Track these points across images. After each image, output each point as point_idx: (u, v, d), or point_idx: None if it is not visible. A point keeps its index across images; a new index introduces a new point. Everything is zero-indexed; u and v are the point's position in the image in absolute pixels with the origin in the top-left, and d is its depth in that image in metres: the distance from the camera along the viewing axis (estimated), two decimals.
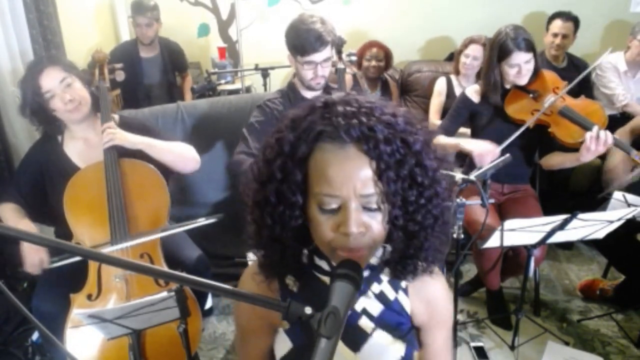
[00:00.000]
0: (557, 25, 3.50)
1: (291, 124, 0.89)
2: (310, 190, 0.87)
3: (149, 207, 2.03)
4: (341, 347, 1.02)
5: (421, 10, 4.26)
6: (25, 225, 1.99)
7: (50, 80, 1.94)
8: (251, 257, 1.65)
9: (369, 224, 0.87)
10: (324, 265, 1.01)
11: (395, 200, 0.87)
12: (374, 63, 3.63)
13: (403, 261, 0.96)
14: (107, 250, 1.88)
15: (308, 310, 0.77)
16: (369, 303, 1.03)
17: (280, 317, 1.02)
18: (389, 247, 0.97)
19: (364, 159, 0.84)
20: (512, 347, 2.39)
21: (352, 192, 0.84)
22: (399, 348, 1.03)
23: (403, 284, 1.05)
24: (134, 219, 1.98)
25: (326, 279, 1.02)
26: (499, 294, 2.63)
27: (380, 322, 1.03)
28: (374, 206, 0.86)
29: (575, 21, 3.51)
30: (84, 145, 2.11)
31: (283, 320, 1.02)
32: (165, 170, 2.12)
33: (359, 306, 1.03)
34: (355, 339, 1.02)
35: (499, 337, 2.49)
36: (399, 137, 0.86)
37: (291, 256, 0.96)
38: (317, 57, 2.18)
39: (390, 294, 1.05)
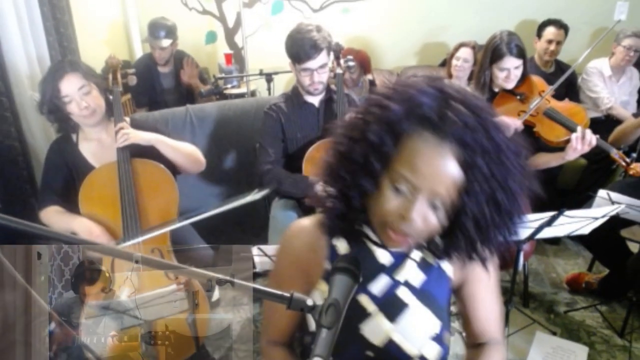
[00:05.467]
0: (552, 32, 3.47)
1: (402, 96, 0.85)
2: (393, 165, 0.84)
3: (160, 204, 2.03)
4: (379, 317, 0.98)
5: (417, 17, 4.26)
6: (73, 218, 1.97)
7: (70, 86, 1.93)
8: (255, 251, 1.65)
9: (428, 218, 0.85)
10: (372, 235, 0.99)
11: (470, 212, 0.85)
12: (347, 75, 3.57)
13: (453, 252, 0.95)
14: (120, 245, 1.87)
15: (309, 301, 0.76)
16: (411, 273, 1.00)
17: (321, 276, 1.00)
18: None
19: (455, 166, 0.82)
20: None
21: (430, 187, 0.82)
22: (436, 324, 0.99)
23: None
24: (146, 215, 1.98)
25: (374, 248, 0.99)
26: None
27: (421, 294, 1.00)
28: (440, 206, 0.84)
29: (565, 29, 3.50)
30: (97, 146, 2.10)
31: (322, 280, 1.00)
32: (173, 170, 2.12)
33: (401, 277, 0.99)
34: (393, 309, 0.98)
35: None
36: (501, 160, 0.83)
37: (351, 216, 0.93)
38: (312, 64, 2.18)
39: (431, 258, 1.02)
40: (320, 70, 2.21)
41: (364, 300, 0.98)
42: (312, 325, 1.00)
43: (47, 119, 2.06)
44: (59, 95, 1.93)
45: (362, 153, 0.85)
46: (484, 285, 1.06)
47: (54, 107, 1.97)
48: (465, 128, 0.81)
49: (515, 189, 0.85)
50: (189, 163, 2.15)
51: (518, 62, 2.30)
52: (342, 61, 2.53)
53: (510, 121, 2.28)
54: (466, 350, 1.14)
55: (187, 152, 2.14)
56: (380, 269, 0.97)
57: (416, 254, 1.01)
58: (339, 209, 0.92)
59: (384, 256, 1.00)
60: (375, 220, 0.90)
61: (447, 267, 1.03)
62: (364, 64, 3.66)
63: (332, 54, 2.34)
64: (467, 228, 0.86)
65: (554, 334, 2.45)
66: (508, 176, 0.84)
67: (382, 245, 0.99)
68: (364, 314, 0.98)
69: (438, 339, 0.99)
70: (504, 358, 1.09)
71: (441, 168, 0.82)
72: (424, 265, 1.01)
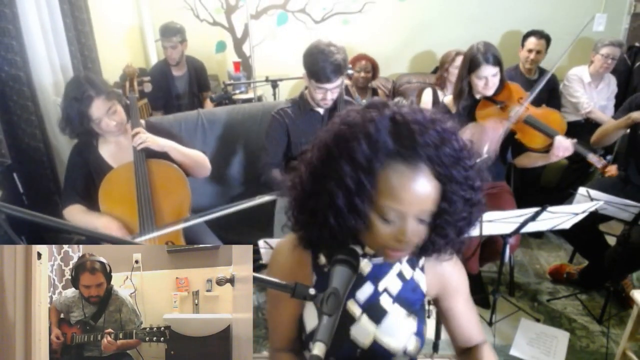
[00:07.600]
0: (532, 42, 3.46)
1: (363, 135, 0.81)
2: (376, 200, 0.82)
3: (173, 201, 2.02)
4: (366, 321, 1.02)
5: (411, 29, 4.25)
6: (94, 217, 1.97)
7: (98, 111, 1.92)
8: (262, 244, 1.64)
9: (419, 233, 0.86)
10: (358, 249, 0.97)
11: (450, 217, 0.87)
12: (362, 74, 3.61)
13: (432, 252, 0.96)
14: (138, 239, 1.87)
15: (312, 291, 0.76)
16: (390, 282, 1.03)
17: (311, 285, 0.99)
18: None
19: (433, 182, 0.82)
20: (490, 324, 2.38)
21: (416, 209, 0.82)
22: (412, 323, 1.03)
23: (420, 262, 1.05)
24: (160, 212, 1.97)
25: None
26: (478, 277, 2.62)
27: (399, 299, 1.03)
28: (426, 219, 0.85)
29: (547, 39, 3.48)
30: (116, 147, 2.10)
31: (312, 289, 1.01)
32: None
33: (382, 286, 1.02)
34: (377, 313, 1.02)
35: (479, 315, 2.47)
36: (462, 162, 0.84)
37: (337, 245, 0.90)
38: (330, 85, 2.14)
39: (408, 272, 1.04)
40: (334, 90, 2.18)
41: (351, 305, 1.02)
42: (308, 327, 1.02)
43: (70, 136, 2.04)
44: (90, 119, 1.93)
45: (345, 200, 0.82)
46: (460, 298, 1.08)
47: (82, 128, 1.96)
48: (429, 146, 0.80)
49: (478, 184, 0.88)
50: (196, 168, 2.14)
51: (494, 69, 2.28)
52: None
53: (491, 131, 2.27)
54: (458, 356, 1.16)
55: (195, 159, 2.13)
56: (365, 277, 1.00)
57: (396, 267, 1.03)
58: (326, 241, 0.90)
59: (366, 266, 1.02)
60: (372, 245, 0.91)
61: (421, 279, 1.05)
62: (374, 68, 3.68)
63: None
64: (446, 228, 0.88)
65: (538, 320, 2.45)
66: (471, 175, 0.86)
67: (364, 256, 1.00)
68: (352, 319, 1.02)
69: (419, 333, 1.04)
70: (492, 353, 1.11)
71: (421, 190, 0.81)
72: (401, 276, 1.04)
